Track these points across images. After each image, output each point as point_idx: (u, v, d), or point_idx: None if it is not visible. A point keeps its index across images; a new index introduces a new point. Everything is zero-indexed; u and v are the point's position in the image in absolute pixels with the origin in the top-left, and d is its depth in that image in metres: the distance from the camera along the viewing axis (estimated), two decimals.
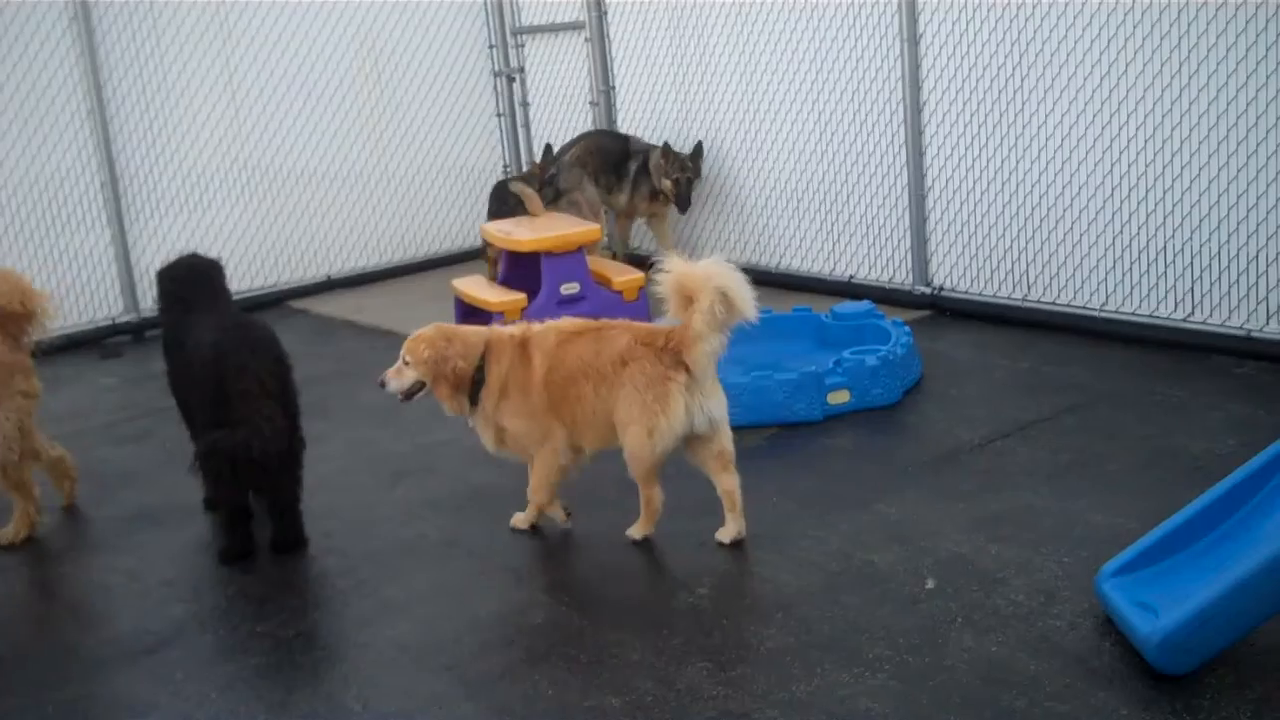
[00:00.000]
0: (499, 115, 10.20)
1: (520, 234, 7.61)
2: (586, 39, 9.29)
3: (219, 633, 4.33)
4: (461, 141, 10.10)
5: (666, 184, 8.43)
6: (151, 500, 5.57)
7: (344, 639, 4.23)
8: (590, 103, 9.39)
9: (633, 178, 8.65)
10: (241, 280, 9.14)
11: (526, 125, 10.16)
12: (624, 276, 7.67)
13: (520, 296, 7.34)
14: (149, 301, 8.75)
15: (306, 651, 4.15)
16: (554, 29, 9.75)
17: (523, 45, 10.09)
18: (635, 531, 4.72)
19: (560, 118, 9.89)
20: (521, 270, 7.60)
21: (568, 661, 3.92)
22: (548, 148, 8.78)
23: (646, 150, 8.65)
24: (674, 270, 4.44)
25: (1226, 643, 3.50)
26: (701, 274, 4.39)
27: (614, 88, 9.32)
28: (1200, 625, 3.45)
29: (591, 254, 7.82)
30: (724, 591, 4.28)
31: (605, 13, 9.24)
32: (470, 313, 7.68)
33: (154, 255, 8.79)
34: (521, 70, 10.10)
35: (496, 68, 10.14)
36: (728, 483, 4.62)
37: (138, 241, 8.77)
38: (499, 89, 10.17)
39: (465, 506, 5.23)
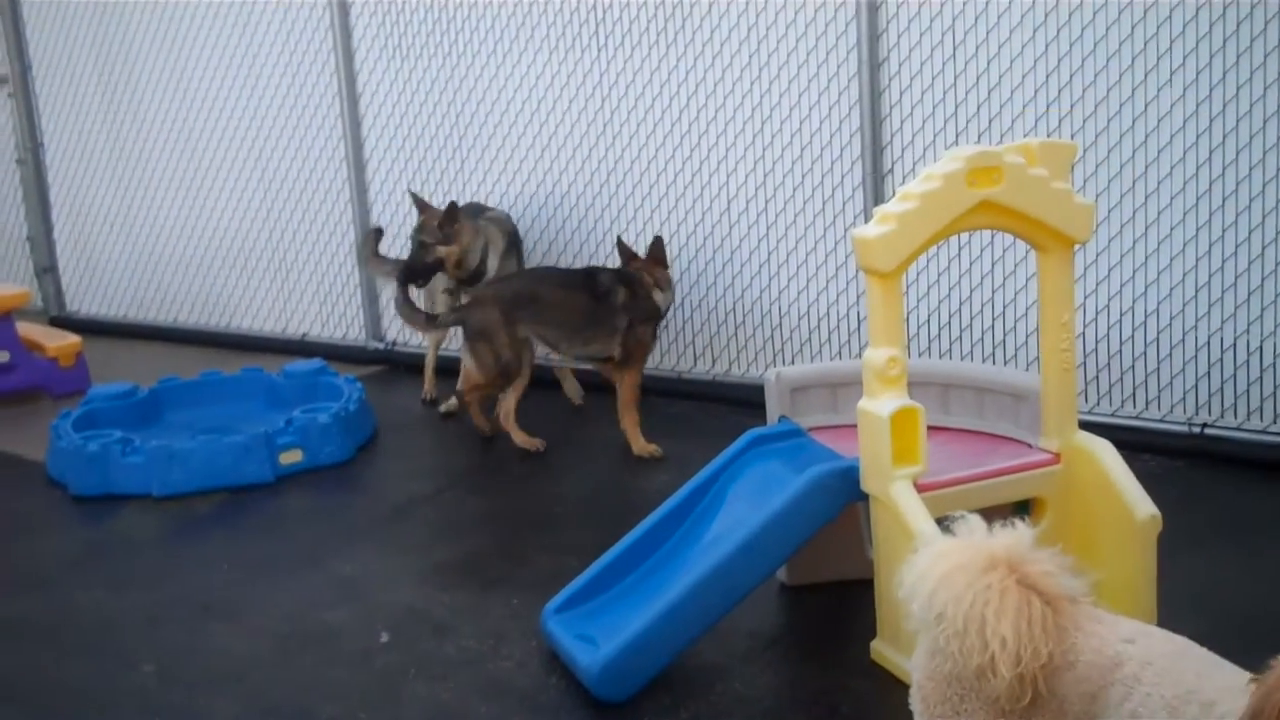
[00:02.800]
0: None
1: None
2: (10, 94, 8.72)
3: None
4: None
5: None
6: None
7: None
8: (17, 161, 8.81)
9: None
10: None
11: None
12: (59, 342, 7.25)
13: None
14: None
15: None
16: None
17: None
18: None
19: None
20: None
21: None
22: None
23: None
24: None
25: (660, 666, 3.72)
26: None
27: (44, 145, 8.79)
28: (635, 652, 3.65)
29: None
30: (172, 666, 4.10)
31: (29, 67, 8.72)
32: None
33: None
34: None
35: None
36: None
37: None
38: None
39: None
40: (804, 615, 4.19)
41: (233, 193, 7.98)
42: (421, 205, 6.29)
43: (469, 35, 6.90)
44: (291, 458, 5.69)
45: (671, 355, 6.55)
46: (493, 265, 6.32)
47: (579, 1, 6.52)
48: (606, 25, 6.47)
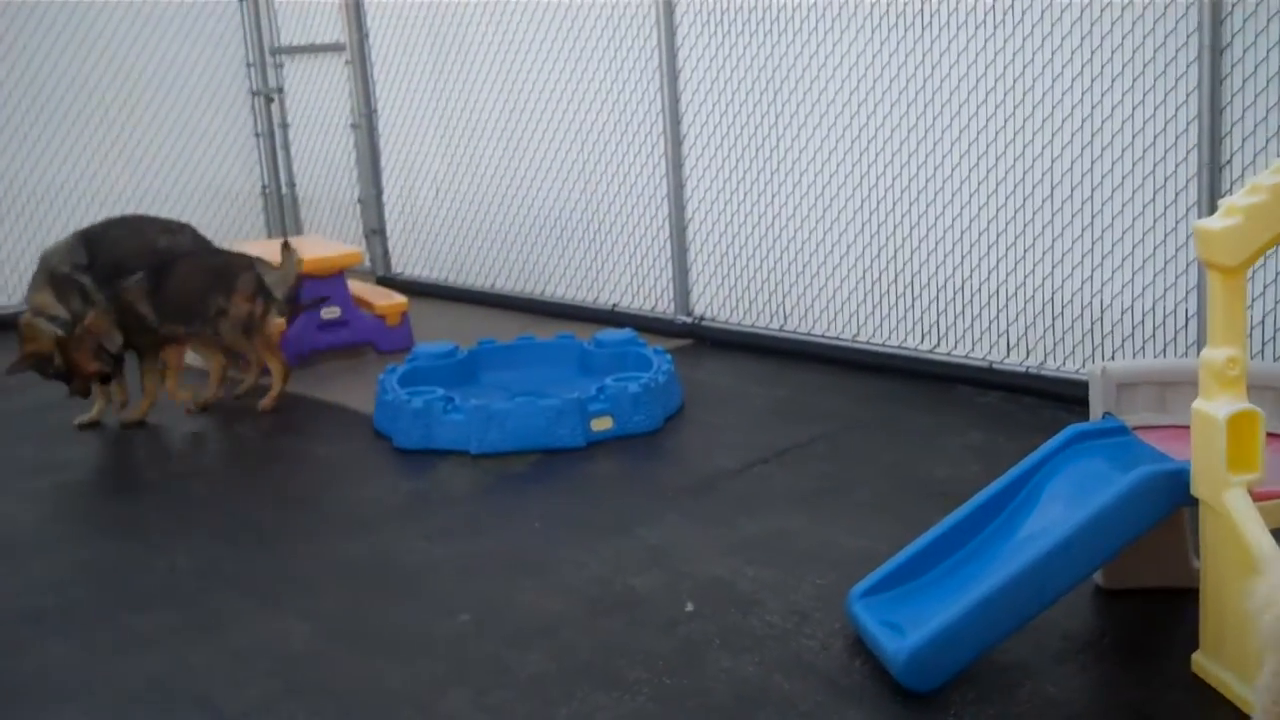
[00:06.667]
0: (257, 135, 9.98)
1: (278, 256, 7.47)
2: (347, 61, 9.19)
3: None
4: (219, 162, 9.83)
5: None
6: None
7: (87, 671, 4.06)
8: (352, 126, 9.28)
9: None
10: None
11: (287, 146, 9.99)
12: (387, 301, 7.61)
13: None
14: None
15: (42, 685, 3.98)
16: (314, 50, 9.62)
17: (282, 65, 9.92)
18: None
19: (322, 140, 9.76)
20: None
21: (325, 692, 3.85)
22: None
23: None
24: None
25: (968, 660, 3.65)
26: None
27: (376, 111, 9.24)
28: (943, 643, 3.60)
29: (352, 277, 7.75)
30: (485, 617, 4.26)
31: (367, 35, 9.16)
32: None
33: None
34: (281, 90, 9.92)
35: (255, 87, 9.93)
36: None
37: None
38: (257, 109, 9.96)
39: (224, 533, 5.10)
40: (1121, 620, 4.05)
41: (552, 164, 8.21)
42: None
43: (790, 14, 6.90)
44: (602, 424, 5.83)
45: (984, 344, 6.42)
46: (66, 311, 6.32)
47: None
48: (931, 5, 6.36)
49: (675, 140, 7.49)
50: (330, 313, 7.32)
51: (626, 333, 6.78)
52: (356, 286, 7.73)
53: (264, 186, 10.01)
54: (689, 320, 7.57)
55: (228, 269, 6.51)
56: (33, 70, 8.90)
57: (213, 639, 4.21)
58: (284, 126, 9.96)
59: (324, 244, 8.07)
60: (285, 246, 6.80)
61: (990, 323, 6.39)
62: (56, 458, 6.08)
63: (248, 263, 6.58)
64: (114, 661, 4.08)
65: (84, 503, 5.67)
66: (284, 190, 9.99)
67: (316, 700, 3.80)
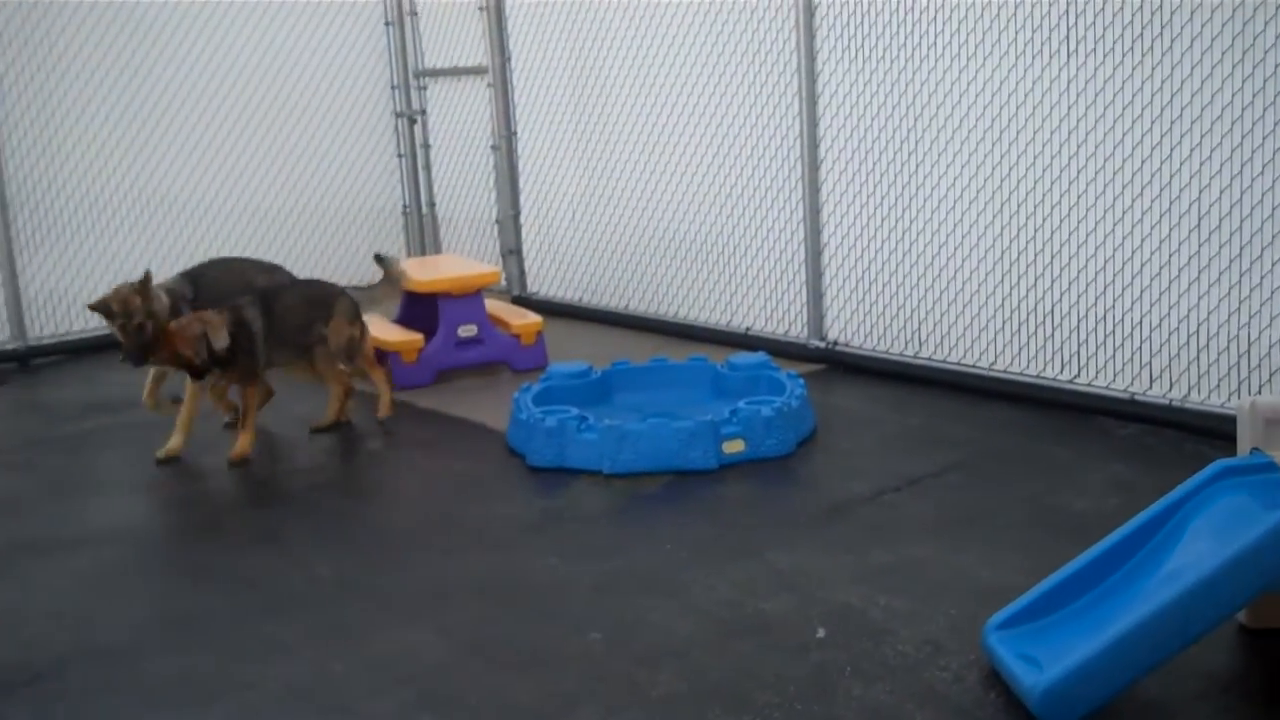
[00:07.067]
0: (400, 156, 10.18)
1: (417, 274, 7.62)
2: (489, 84, 9.33)
3: (104, 667, 4.24)
4: (362, 180, 10.06)
5: None
6: (33, 531, 5.45)
7: (228, 676, 4.16)
8: (492, 147, 9.42)
9: None
10: None
11: (428, 167, 10.18)
12: (522, 320, 7.71)
13: (417, 336, 7.34)
14: (37, 329, 8.62)
15: (184, 688, 4.08)
16: (456, 73, 9.79)
17: (425, 88, 10.11)
18: None
19: (462, 161, 9.92)
20: (419, 310, 7.60)
21: (457, 704, 3.90)
22: None
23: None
24: None
25: (1107, 696, 3.58)
26: None
27: (515, 134, 9.37)
28: (1082, 678, 3.53)
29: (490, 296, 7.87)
30: (616, 636, 4.29)
31: (509, 59, 9.30)
32: None
33: (43, 283, 8.70)
34: (423, 113, 10.11)
35: (398, 109, 10.13)
36: None
37: (27, 268, 8.60)
38: (400, 130, 10.16)
39: (360, 545, 5.19)
40: (1265, 660, 3.94)
41: (689, 187, 8.24)
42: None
43: (932, 39, 6.86)
44: (734, 447, 5.82)
45: (1125, 375, 6.29)
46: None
47: (1049, 7, 6.36)
48: (1078, 32, 6.28)
49: (812, 164, 7.47)
50: (467, 331, 7.43)
51: (760, 356, 6.77)
52: (493, 305, 7.84)
53: (405, 206, 10.20)
54: (823, 345, 7.54)
55: (325, 297, 6.64)
56: (189, 84, 9.19)
57: (349, 648, 4.29)
58: (425, 147, 10.15)
59: (462, 263, 8.21)
60: (378, 259, 7.09)
61: (1133, 353, 6.26)
62: (196, 466, 6.25)
63: (340, 290, 6.73)
64: (253, 667, 4.18)
65: (224, 511, 5.82)
66: (424, 210, 10.18)
67: (448, 712, 3.85)
